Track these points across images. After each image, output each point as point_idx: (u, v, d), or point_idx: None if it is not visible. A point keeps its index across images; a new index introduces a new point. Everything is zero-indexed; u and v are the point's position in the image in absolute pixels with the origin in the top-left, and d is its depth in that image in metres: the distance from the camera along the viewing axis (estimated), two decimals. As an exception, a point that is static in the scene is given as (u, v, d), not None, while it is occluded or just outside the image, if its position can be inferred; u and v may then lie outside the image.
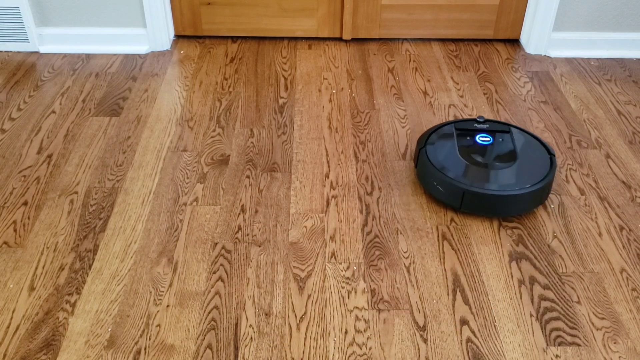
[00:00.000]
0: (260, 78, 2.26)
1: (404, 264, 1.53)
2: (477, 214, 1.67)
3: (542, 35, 2.40)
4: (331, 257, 1.54)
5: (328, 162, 1.86)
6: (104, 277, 1.48)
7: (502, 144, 1.75)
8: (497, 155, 1.71)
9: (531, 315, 1.40)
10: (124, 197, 1.71)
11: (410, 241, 1.59)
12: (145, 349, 1.32)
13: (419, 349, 1.33)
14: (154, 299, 1.43)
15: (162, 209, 1.68)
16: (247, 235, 1.60)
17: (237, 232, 1.61)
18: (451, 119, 2.06)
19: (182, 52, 2.42)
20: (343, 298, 1.44)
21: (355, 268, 1.51)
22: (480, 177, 1.64)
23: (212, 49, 2.44)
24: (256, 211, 1.68)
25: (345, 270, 1.51)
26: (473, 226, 1.64)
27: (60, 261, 1.52)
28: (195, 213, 1.67)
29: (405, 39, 2.53)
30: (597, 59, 2.42)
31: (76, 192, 1.73)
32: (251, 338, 1.35)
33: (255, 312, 1.40)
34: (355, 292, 1.45)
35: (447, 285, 1.47)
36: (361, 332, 1.37)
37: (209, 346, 1.33)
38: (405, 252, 1.56)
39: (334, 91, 2.19)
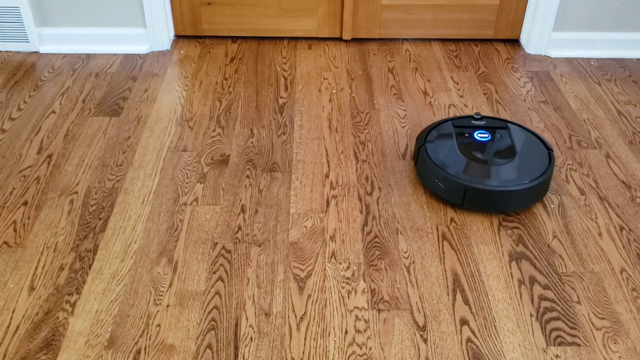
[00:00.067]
0: (260, 78, 2.26)
1: (404, 264, 1.53)
2: (479, 211, 1.67)
3: (542, 35, 2.40)
4: (331, 257, 1.54)
5: (328, 162, 1.86)
6: (104, 277, 1.48)
7: (500, 140, 1.77)
8: (497, 151, 1.73)
9: (531, 315, 1.40)
10: (124, 197, 1.71)
11: (410, 241, 1.59)
12: (145, 349, 1.32)
13: (419, 349, 1.33)
14: (154, 299, 1.43)
15: (162, 209, 1.68)
16: (247, 235, 1.60)
17: (237, 232, 1.61)
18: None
19: (182, 52, 2.42)
20: (343, 298, 1.44)
21: (355, 268, 1.51)
22: (482, 173, 1.65)
23: (212, 49, 2.44)
24: (256, 211, 1.68)
25: (345, 270, 1.51)
26: (473, 226, 1.64)
27: (60, 261, 1.52)
28: (195, 213, 1.67)
29: (405, 39, 2.53)
30: (597, 59, 2.42)
31: (76, 192, 1.73)
32: (251, 338, 1.35)
33: (255, 312, 1.40)
34: (355, 292, 1.45)
35: (447, 285, 1.47)
36: (361, 332, 1.37)
37: (209, 346, 1.33)
38: (405, 252, 1.56)
39: (334, 91, 2.19)
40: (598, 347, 1.34)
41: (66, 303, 1.42)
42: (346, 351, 1.32)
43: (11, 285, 1.46)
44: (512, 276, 1.50)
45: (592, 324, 1.39)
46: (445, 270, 1.51)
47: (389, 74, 2.29)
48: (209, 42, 2.49)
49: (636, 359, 1.32)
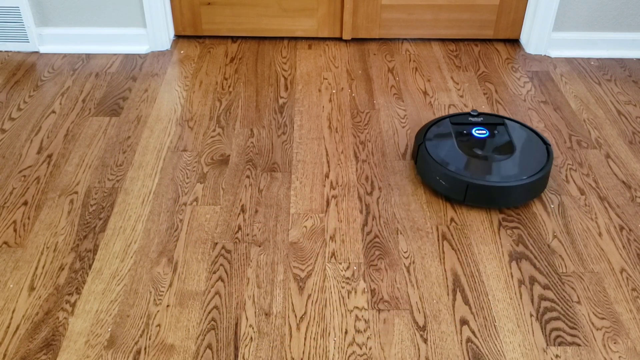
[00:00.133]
0: (260, 78, 2.26)
1: (404, 264, 1.53)
2: (480, 207, 1.67)
3: (542, 35, 2.40)
4: (331, 257, 1.54)
5: (328, 162, 1.86)
6: (104, 277, 1.48)
7: (498, 136, 1.78)
8: (496, 147, 1.74)
9: (531, 315, 1.40)
10: (124, 197, 1.71)
11: (410, 241, 1.59)
12: (145, 349, 1.32)
13: (419, 349, 1.33)
14: (154, 299, 1.43)
15: (162, 209, 1.68)
16: (247, 235, 1.60)
17: (237, 232, 1.61)
18: (451, 119, 2.06)
19: (182, 52, 2.42)
20: (343, 298, 1.44)
21: (355, 268, 1.51)
22: (482, 169, 1.66)
23: (212, 49, 2.44)
24: (256, 211, 1.68)
25: (345, 270, 1.51)
26: (473, 226, 1.64)
27: (60, 261, 1.52)
28: (195, 213, 1.67)
29: (405, 39, 2.53)
30: (597, 59, 2.42)
31: (76, 192, 1.73)
32: (251, 338, 1.35)
33: (255, 312, 1.40)
34: (355, 292, 1.45)
35: (447, 285, 1.47)
36: (361, 332, 1.37)
37: (209, 346, 1.33)
38: (405, 252, 1.56)
39: (334, 91, 2.19)
40: (598, 347, 1.34)
41: (66, 303, 1.42)
42: (346, 351, 1.32)
43: (11, 285, 1.46)
44: (512, 276, 1.50)
45: (592, 324, 1.39)
46: (445, 270, 1.51)
47: (389, 74, 2.29)
48: (209, 42, 2.49)
49: (636, 359, 1.32)
